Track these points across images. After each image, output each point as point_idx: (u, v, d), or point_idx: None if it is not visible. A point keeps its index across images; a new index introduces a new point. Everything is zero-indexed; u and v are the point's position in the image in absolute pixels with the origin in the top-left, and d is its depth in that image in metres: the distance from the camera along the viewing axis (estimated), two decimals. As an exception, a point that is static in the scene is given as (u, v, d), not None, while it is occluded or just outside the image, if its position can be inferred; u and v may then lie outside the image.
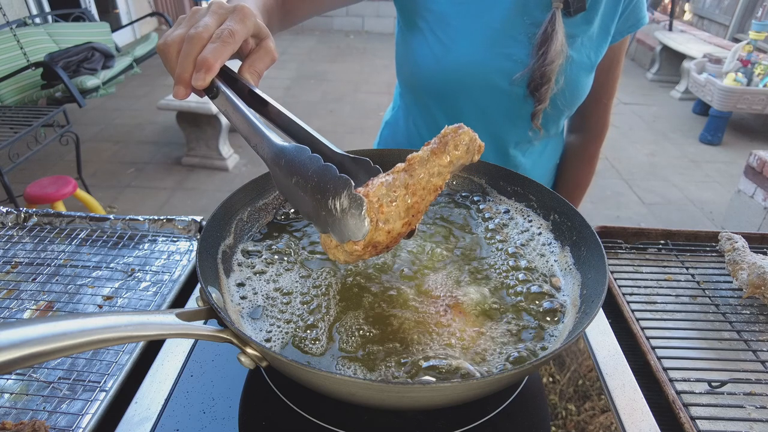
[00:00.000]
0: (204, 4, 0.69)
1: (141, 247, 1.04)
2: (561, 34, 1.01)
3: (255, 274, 0.78)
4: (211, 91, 0.66)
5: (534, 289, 0.76)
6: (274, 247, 0.83)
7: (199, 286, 0.81)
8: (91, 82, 4.05)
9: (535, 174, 1.26)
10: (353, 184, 0.58)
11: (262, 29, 0.70)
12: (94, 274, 0.95)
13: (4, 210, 1.11)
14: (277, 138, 0.63)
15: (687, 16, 7.80)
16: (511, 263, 0.81)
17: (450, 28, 1.06)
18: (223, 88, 0.66)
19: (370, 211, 0.58)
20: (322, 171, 0.59)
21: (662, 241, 1.09)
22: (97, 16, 5.82)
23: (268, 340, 0.66)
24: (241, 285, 0.75)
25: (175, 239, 1.07)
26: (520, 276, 0.79)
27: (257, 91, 0.68)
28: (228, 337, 0.58)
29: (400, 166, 0.63)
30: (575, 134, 1.36)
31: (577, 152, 1.36)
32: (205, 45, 0.62)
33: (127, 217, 1.09)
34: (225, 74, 0.69)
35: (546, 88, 1.05)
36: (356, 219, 0.58)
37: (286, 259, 0.81)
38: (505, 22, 1.05)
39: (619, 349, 0.80)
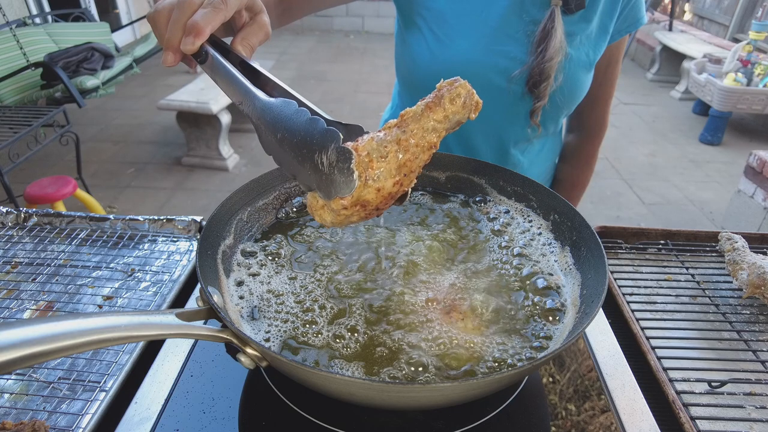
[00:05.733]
0: None
1: (141, 247, 1.04)
2: (560, 31, 1.02)
3: (250, 275, 0.78)
4: (199, 56, 0.65)
5: (535, 289, 0.76)
6: (268, 248, 0.83)
7: (199, 286, 0.81)
8: (90, 82, 4.05)
9: (532, 173, 1.27)
10: (341, 137, 0.55)
11: (257, 3, 0.69)
12: (94, 274, 0.95)
13: (4, 210, 1.10)
14: (263, 95, 0.61)
15: (687, 16, 7.80)
16: (512, 263, 0.81)
17: (447, 26, 1.07)
18: (212, 51, 0.65)
19: (359, 165, 0.55)
20: (309, 124, 0.56)
21: (662, 241, 1.09)
22: (97, 16, 5.82)
23: (267, 340, 0.66)
24: (240, 284, 0.75)
25: (175, 239, 1.07)
26: (521, 276, 0.79)
27: (249, 62, 0.67)
28: (228, 337, 0.58)
29: (392, 121, 0.59)
30: (574, 134, 1.36)
31: (576, 152, 1.36)
32: (196, 11, 0.61)
33: (127, 217, 1.09)
34: (217, 45, 0.68)
35: (545, 86, 1.05)
36: (344, 173, 0.55)
37: (277, 261, 0.81)
38: (502, 20, 1.05)
39: (619, 349, 0.80)
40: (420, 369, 0.63)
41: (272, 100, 0.60)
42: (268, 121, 0.60)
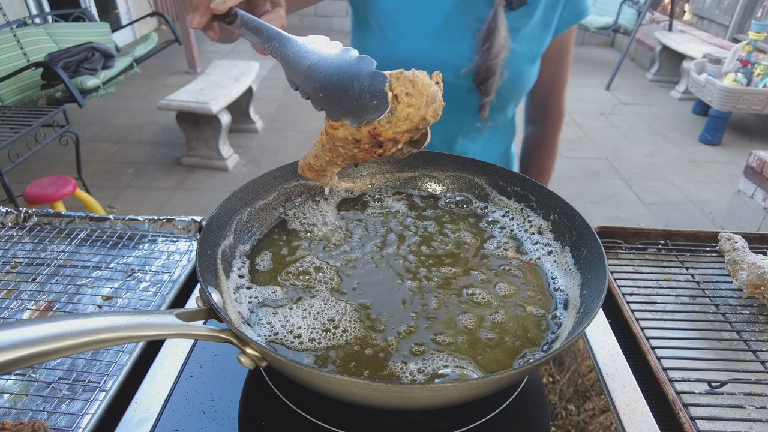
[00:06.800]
0: None
1: (141, 247, 1.04)
2: (504, 29, 1.06)
3: (250, 275, 0.78)
4: (228, 16, 0.66)
5: (535, 290, 0.76)
6: (269, 248, 0.83)
7: (198, 286, 0.81)
8: (91, 82, 4.05)
9: (485, 158, 1.30)
10: (375, 62, 0.57)
11: None
12: (93, 274, 0.95)
13: (4, 210, 1.10)
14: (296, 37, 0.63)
15: (687, 17, 7.80)
16: (511, 263, 0.81)
17: (396, 25, 1.11)
18: (241, 11, 0.66)
19: (396, 88, 0.56)
20: (342, 53, 0.58)
21: (662, 241, 1.09)
22: (97, 16, 5.81)
23: (267, 341, 0.66)
24: (240, 285, 0.75)
25: (174, 239, 1.07)
26: (521, 276, 0.79)
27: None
28: (228, 337, 0.58)
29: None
30: (533, 124, 1.40)
31: (537, 141, 1.41)
32: None
33: (127, 217, 1.09)
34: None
35: (491, 82, 1.09)
36: (379, 94, 0.56)
37: (279, 261, 0.81)
38: (448, 19, 1.09)
39: (619, 349, 0.80)
40: (420, 369, 0.63)
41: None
42: (300, 50, 0.61)
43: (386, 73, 0.57)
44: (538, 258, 0.83)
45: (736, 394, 0.74)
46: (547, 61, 1.21)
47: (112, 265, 0.98)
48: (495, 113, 1.20)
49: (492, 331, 0.68)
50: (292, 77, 0.61)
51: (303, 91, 0.61)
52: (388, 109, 0.56)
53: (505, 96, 1.16)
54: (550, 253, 0.83)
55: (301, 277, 0.77)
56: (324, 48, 0.60)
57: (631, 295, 0.94)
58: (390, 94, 0.56)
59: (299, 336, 0.67)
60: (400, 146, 0.61)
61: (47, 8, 5.73)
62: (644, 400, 0.71)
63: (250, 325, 0.69)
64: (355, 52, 0.58)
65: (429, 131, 0.63)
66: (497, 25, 1.05)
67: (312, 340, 0.66)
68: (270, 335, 0.67)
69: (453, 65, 1.10)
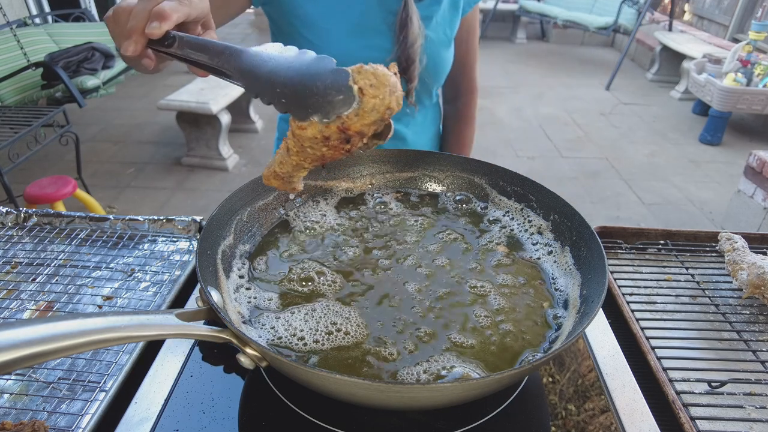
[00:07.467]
0: None
1: (141, 247, 1.04)
2: (416, 18, 1.12)
3: (249, 275, 0.78)
4: (166, 40, 0.63)
5: (534, 289, 0.76)
6: (269, 249, 0.83)
7: (199, 286, 0.81)
8: (91, 82, 4.05)
9: (421, 142, 1.38)
10: (335, 61, 0.56)
11: (211, 19, 0.71)
12: (94, 275, 0.95)
13: (4, 210, 1.10)
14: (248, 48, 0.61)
15: (687, 17, 7.80)
16: (511, 264, 0.81)
17: (316, 29, 1.14)
18: (179, 33, 0.63)
19: (359, 81, 0.56)
20: (297, 56, 0.58)
21: (662, 242, 1.09)
22: (97, 16, 5.81)
23: (267, 341, 0.66)
24: (239, 286, 0.75)
25: (174, 239, 1.07)
26: (520, 276, 0.79)
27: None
28: (227, 338, 0.58)
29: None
30: (452, 102, 1.47)
31: (457, 117, 1.48)
32: (159, 3, 0.61)
33: (127, 217, 1.09)
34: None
35: (413, 69, 1.16)
36: (344, 89, 0.56)
37: (280, 259, 0.81)
38: (365, 16, 1.13)
39: (619, 349, 0.80)
40: (421, 369, 0.63)
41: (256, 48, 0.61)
42: (256, 61, 0.59)
43: (347, 68, 0.57)
44: (538, 258, 0.83)
45: (736, 394, 0.74)
46: (459, 42, 1.29)
47: (112, 265, 0.98)
48: (421, 96, 1.28)
49: (495, 330, 0.69)
50: (250, 86, 0.60)
51: (264, 97, 0.60)
52: (356, 102, 0.56)
53: (427, 80, 1.24)
54: (550, 253, 0.83)
55: (303, 282, 0.77)
56: (279, 53, 0.59)
57: (631, 295, 0.94)
58: (355, 87, 0.56)
59: (302, 338, 0.67)
60: (365, 140, 0.61)
61: (47, 8, 5.72)
62: (644, 400, 0.71)
63: (253, 328, 0.69)
64: (312, 53, 0.58)
65: (392, 123, 0.63)
66: (409, 15, 1.12)
67: (316, 341, 0.66)
68: (273, 339, 0.67)
69: (375, 59, 1.12)
